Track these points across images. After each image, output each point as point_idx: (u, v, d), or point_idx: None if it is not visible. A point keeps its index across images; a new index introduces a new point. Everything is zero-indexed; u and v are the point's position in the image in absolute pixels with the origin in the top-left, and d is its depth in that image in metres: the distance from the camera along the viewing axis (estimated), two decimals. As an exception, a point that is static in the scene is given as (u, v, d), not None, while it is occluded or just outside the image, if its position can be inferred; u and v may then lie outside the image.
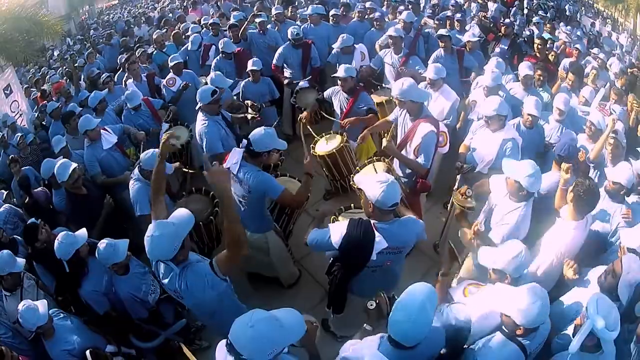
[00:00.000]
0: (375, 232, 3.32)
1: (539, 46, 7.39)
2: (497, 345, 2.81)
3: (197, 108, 5.18)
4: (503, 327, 2.84)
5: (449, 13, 8.95)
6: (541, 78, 6.11)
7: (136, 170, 4.70)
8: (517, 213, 3.73)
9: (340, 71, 5.37)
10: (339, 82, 5.44)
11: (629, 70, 9.69)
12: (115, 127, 5.91)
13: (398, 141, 4.87)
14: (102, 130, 5.57)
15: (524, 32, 9.73)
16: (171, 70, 7.12)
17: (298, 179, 5.01)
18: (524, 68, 5.96)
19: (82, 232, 4.12)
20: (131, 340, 4.20)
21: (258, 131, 4.01)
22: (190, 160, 6.19)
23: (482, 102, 5.44)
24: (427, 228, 5.21)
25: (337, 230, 3.38)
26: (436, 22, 8.49)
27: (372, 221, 3.36)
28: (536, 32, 9.46)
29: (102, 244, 3.85)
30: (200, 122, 5.12)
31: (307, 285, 5.15)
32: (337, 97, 5.63)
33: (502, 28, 8.34)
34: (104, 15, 20.61)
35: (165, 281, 3.15)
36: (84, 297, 4.06)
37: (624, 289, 3.04)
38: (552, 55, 7.63)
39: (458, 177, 5.24)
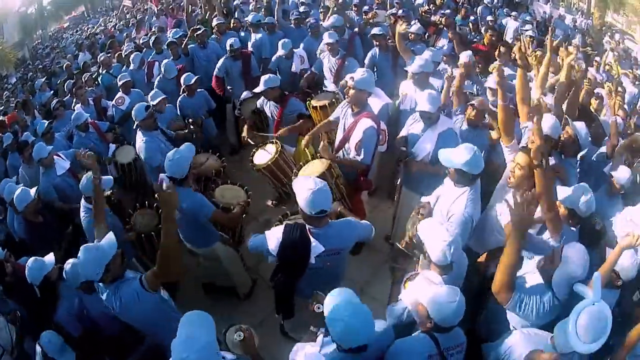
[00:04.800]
0: (310, 237, 3.38)
1: (491, 36, 7.54)
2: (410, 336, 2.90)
3: (134, 127, 5.36)
4: (415, 317, 2.92)
5: (393, 10, 9.02)
6: (479, 65, 6.26)
7: (83, 201, 4.77)
8: (464, 198, 3.70)
9: (260, 86, 5.47)
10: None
11: (581, 49, 10.14)
12: (67, 152, 5.98)
13: (339, 139, 4.89)
14: (54, 157, 5.66)
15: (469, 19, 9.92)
16: (120, 90, 7.21)
17: (246, 189, 5.15)
18: (463, 56, 6.01)
19: (50, 257, 4.18)
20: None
21: (168, 160, 4.13)
22: (142, 177, 6.28)
23: (412, 93, 5.48)
24: (377, 224, 5.37)
25: (273, 237, 3.44)
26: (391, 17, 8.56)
27: (307, 226, 3.40)
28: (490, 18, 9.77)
29: (68, 264, 3.92)
30: (139, 138, 5.33)
31: (263, 292, 5.19)
32: (268, 107, 5.75)
33: (443, 19, 8.46)
34: (55, 41, 20.51)
35: (104, 297, 3.33)
36: (59, 321, 4.08)
37: (561, 281, 3.01)
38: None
39: (400, 171, 5.20)
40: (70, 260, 3.94)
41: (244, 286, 5.18)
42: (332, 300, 2.68)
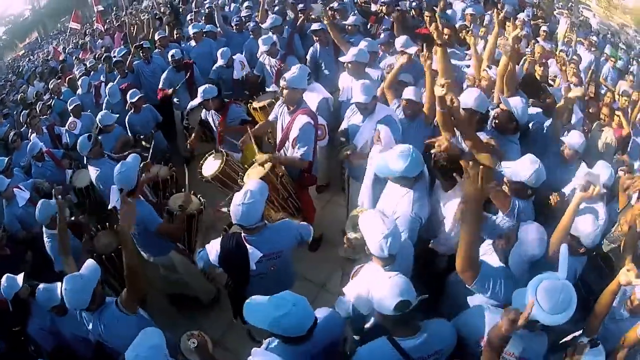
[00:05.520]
0: (246, 244, 3.46)
1: (428, 18, 7.49)
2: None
3: (85, 160, 5.51)
4: (361, 310, 2.98)
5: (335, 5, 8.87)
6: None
7: (45, 229, 4.87)
8: (409, 198, 3.63)
9: (198, 97, 5.54)
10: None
11: (532, 21, 10.32)
12: (26, 183, 6.07)
13: (279, 139, 4.95)
14: (14, 189, 5.74)
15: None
16: (71, 114, 7.32)
17: (199, 197, 5.26)
18: (398, 43, 5.93)
19: (19, 277, 4.25)
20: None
21: (116, 173, 4.26)
22: (101, 199, 6.26)
23: (349, 84, 5.37)
24: (332, 218, 5.60)
25: (213, 249, 3.56)
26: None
27: (243, 234, 3.49)
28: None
29: (39, 289, 3.99)
30: (92, 172, 5.48)
31: (227, 299, 5.18)
32: (210, 116, 5.81)
33: (383, 8, 8.36)
34: (12, 70, 20.39)
35: (90, 327, 3.38)
36: (31, 334, 4.22)
37: (518, 261, 3.02)
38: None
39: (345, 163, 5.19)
40: (42, 286, 4.01)
41: (207, 294, 5.23)
42: (256, 304, 2.74)
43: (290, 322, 2.57)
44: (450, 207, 3.79)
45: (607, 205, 3.88)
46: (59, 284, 4.10)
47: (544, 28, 9.65)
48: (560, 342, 2.91)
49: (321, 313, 2.89)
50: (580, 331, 2.95)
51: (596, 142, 5.97)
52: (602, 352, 2.64)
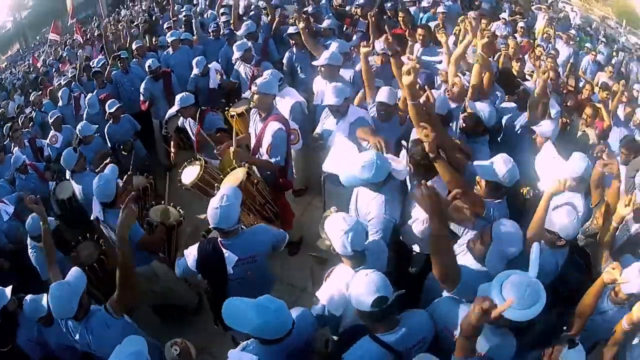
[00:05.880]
0: (223, 249, 3.54)
1: (404, 18, 7.51)
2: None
3: (70, 174, 5.57)
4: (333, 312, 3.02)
5: (310, 9, 8.88)
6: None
7: (29, 240, 4.93)
8: (378, 201, 3.64)
9: (175, 106, 5.62)
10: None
11: (509, 17, 10.35)
12: (10, 197, 6.10)
13: (252, 146, 4.98)
14: (-1, 204, 5.77)
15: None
16: (52, 127, 7.38)
17: (178, 208, 5.31)
18: (377, 44, 6.06)
19: (8, 289, 4.22)
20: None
21: (95, 187, 4.35)
22: (83, 210, 6.25)
23: (323, 87, 5.30)
24: (311, 221, 5.62)
25: (190, 254, 3.61)
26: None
27: (219, 239, 3.57)
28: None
29: (26, 300, 4.01)
30: (75, 187, 5.55)
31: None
32: (188, 124, 5.87)
33: (358, 10, 8.32)
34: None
35: (77, 337, 3.41)
36: (19, 345, 4.20)
37: (495, 260, 2.98)
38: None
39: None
40: (29, 297, 4.02)
41: (191, 300, 5.28)
42: (236, 307, 2.78)
43: (270, 327, 2.65)
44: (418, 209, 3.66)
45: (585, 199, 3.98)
46: (45, 295, 4.10)
47: (520, 24, 9.74)
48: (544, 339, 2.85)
49: (294, 313, 2.93)
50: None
51: (578, 140, 5.99)
52: (581, 352, 2.57)
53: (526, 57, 7.65)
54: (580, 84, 7.94)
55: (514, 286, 2.48)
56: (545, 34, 10.29)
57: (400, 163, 3.77)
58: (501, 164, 3.50)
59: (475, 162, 3.70)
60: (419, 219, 3.71)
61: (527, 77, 6.93)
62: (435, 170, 3.44)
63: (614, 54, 12.79)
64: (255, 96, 4.75)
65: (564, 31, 11.05)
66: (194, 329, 5.06)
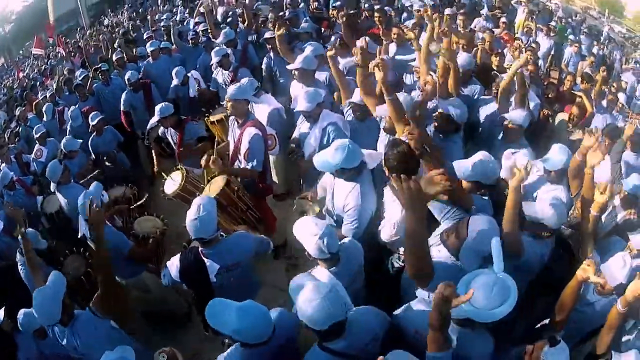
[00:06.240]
0: (204, 258, 3.58)
1: (380, 18, 7.46)
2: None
3: (56, 187, 5.64)
4: None
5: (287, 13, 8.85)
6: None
7: (19, 255, 4.97)
8: (354, 193, 3.68)
9: (155, 116, 5.65)
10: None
11: (489, 12, 10.39)
12: None
13: (231, 153, 5.03)
14: (-12, 221, 5.81)
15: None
16: (37, 142, 7.45)
17: (162, 217, 5.42)
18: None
19: (0, 311, 4.31)
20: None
21: (80, 205, 4.42)
22: (71, 223, 6.29)
23: (299, 91, 5.22)
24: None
25: (173, 265, 3.66)
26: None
27: (200, 248, 3.61)
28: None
29: (20, 314, 4.02)
30: (62, 199, 5.61)
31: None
32: (169, 134, 5.93)
33: (335, 12, 8.19)
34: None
35: (64, 343, 3.46)
36: None
37: (470, 255, 2.92)
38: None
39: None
40: (22, 310, 4.03)
41: (180, 308, 5.31)
42: (220, 310, 2.82)
43: (249, 331, 2.70)
44: (390, 211, 3.75)
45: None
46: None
47: (503, 19, 9.73)
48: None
49: (275, 313, 2.98)
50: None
51: (561, 135, 5.93)
52: (564, 350, 2.49)
53: (506, 50, 7.60)
54: (563, 76, 8.01)
55: (480, 287, 2.45)
56: (525, 27, 10.34)
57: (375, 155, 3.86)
58: (478, 162, 3.47)
59: (455, 162, 3.62)
60: (389, 222, 3.69)
61: (507, 70, 6.99)
62: (412, 173, 3.16)
63: (595, 43, 12.85)
64: (229, 103, 4.80)
65: (544, 24, 11.10)
66: (186, 336, 5.12)
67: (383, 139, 4.67)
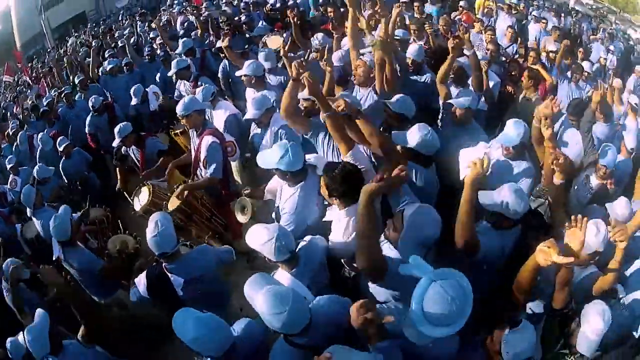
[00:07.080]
0: (167, 273, 3.62)
1: (333, 13, 7.58)
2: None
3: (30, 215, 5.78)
4: None
5: (243, 17, 8.95)
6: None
7: (3, 283, 4.96)
8: (293, 198, 3.68)
9: (116, 139, 5.78)
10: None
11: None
12: None
13: (192, 162, 5.11)
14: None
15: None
16: (11, 172, 7.59)
17: (134, 235, 5.41)
18: (312, 41, 6.15)
19: None
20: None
21: (51, 227, 4.47)
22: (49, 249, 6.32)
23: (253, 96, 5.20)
24: None
25: (140, 282, 3.70)
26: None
27: (164, 264, 3.63)
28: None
29: (7, 344, 3.89)
30: (37, 225, 5.76)
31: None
32: (132, 152, 6.04)
33: (288, 12, 7.93)
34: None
35: None
36: None
37: (407, 245, 2.82)
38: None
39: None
40: (9, 340, 3.93)
41: (162, 320, 5.15)
42: (182, 319, 2.85)
43: (203, 343, 2.74)
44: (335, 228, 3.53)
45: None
46: (21, 333, 4.02)
47: (461, 3, 9.82)
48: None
49: (239, 325, 3.01)
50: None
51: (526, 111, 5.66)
52: (527, 328, 2.44)
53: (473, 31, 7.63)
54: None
55: (436, 304, 2.20)
56: (486, 8, 10.26)
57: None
58: (414, 132, 3.58)
59: (393, 132, 3.75)
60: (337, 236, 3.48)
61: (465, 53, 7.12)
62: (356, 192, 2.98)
63: (561, 17, 12.81)
64: (182, 120, 4.94)
65: (504, 2, 11.07)
66: (172, 348, 4.88)
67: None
